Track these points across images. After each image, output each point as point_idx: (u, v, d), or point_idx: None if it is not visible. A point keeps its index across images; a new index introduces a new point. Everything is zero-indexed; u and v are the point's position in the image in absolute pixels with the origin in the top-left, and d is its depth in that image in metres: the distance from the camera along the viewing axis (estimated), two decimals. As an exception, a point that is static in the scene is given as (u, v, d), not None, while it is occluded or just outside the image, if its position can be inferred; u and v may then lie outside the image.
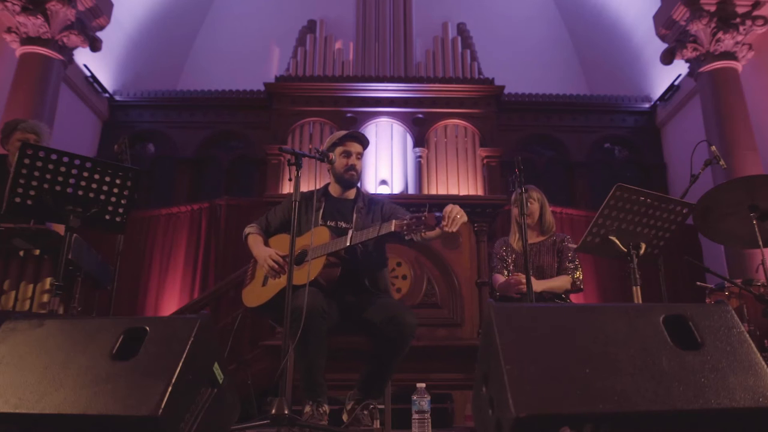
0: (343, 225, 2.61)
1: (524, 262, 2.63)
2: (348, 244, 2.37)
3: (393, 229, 2.25)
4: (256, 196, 7.14)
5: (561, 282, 3.12)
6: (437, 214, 2.19)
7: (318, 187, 2.79)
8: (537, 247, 3.25)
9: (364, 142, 2.72)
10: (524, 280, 2.71)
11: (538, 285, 3.04)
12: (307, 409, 2.27)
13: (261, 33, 8.79)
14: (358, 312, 2.45)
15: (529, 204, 3.15)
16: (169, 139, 8.03)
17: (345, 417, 2.42)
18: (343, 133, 2.71)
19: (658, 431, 1.32)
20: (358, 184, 2.79)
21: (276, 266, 2.48)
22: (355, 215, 2.64)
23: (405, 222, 2.22)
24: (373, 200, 2.74)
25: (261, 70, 8.40)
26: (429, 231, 2.22)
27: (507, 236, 3.42)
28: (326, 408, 2.29)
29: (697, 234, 6.20)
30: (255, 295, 2.60)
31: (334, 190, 2.74)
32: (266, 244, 2.67)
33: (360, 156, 2.68)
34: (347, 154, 2.65)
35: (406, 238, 2.28)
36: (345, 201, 2.71)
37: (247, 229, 2.75)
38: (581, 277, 3.17)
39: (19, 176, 2.14)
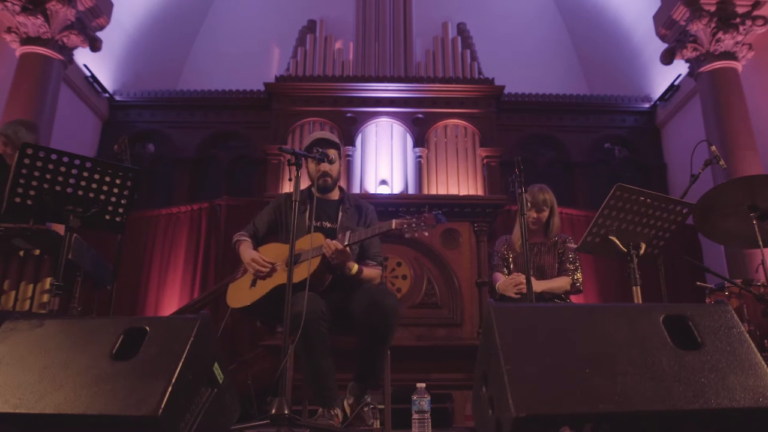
0: (328, 225, 2.64)
1: (524, 262, 2.63)
2: (346, 243, 2.38)
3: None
4: (256, 196, 7.12)
5: (561, 283, 3.12)
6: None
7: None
8: (538, 247, 3.25)
9: (334, 144, 2.68)
10: (524, 280, 2.71)
11: (538, 285, 3.04)
12: (319, 411, 2.28)
13: (261, 33, 8.79)
14: (345, 307, 2.45)
15: (543, 207, 3.16)
16: (169, 139, 8.02)
17: (348, 410, 2.42)
18: (312, 138, 2.67)
19: (658, 431, 1.32)
20: (341, 185, 2.81)
21: (260, 268, 2.48)
22: (340, 214, 2.66)
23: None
24: (360, 205, 2.74)
25: (261, 70, 8.39)
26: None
27: (509, 234, 3.40)
28: (338, 411, 2.28)
29: (697, 234, 6.20)
30: (241, 296, 2.58)
31: (316, 192, 2.73)
32: (256, 249, 2.65)
33: (332, 159, 2.63)
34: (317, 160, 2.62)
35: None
36: (329, 201, 2.73)
37: (236, 237, 2.75)
38: (581, 279, 3.17)
39: (19, 176, 2.14)
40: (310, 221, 2.61)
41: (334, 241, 2.37)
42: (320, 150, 2.51)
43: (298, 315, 2.19)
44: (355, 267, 2.47)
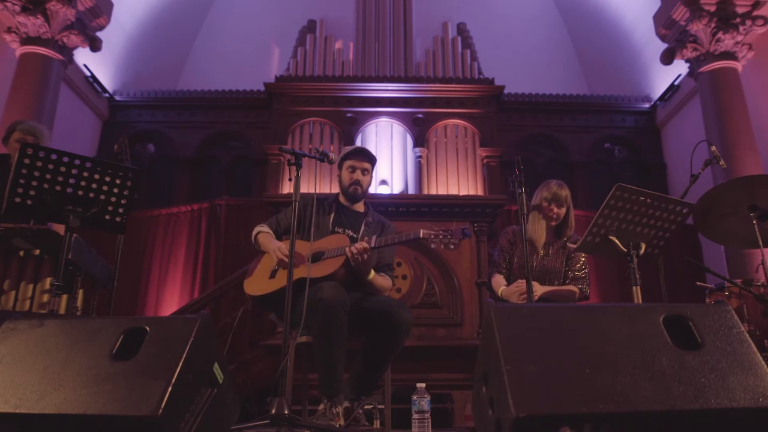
0: (351, 233, 2.70)
1: (525, 263, 2.62)
2: (373, 246, 2.44)
3: (421, 236, 2.36)
4: (256, 196, 7.13)
5: (567, 291, 3.00)
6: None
7: (329, 192, 2.88)
8: (545, 248, 3.09)
9: (372, 159, 2.81)
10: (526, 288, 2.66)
11: (543, 289, 2.94)
12: (321, 406, 2.26)
13: (261, 33, 8.79)
14: (356, 310, 2.45)
15: (563, 203, 3.06)
16: (169, 139, 8.02)
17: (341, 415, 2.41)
18: (351, 148, 2.82)
19: (658, 431, 1.32)
20: (365, 199, 2.87)
21: (284, 258, 2.49)
22: (363, 227, 2.72)
23: (432, 231, 2.37)
24: (383, 223, 2.83)
25: (261, 70, 8.40)
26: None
27: (517, 225, 3.16)
28: (340, 409, 2.27)
29: (697, 234, 6.20)
30: (261, 285, 2.60)
31: (343, 200, 2.82)
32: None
33: (366, 172, 2.77)
34: (352, 169, 2.75)
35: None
36: (355, 212, 2.80)
37: (258, 228, 2.78)
38: (588, 291, 3.04)
39: (19, 176, 2.14)
40: (332, 226, 2.68)
41: (360, 242, 2.44)
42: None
43: (322, 300, 2.23)
44: (372, 273, 2.55)
